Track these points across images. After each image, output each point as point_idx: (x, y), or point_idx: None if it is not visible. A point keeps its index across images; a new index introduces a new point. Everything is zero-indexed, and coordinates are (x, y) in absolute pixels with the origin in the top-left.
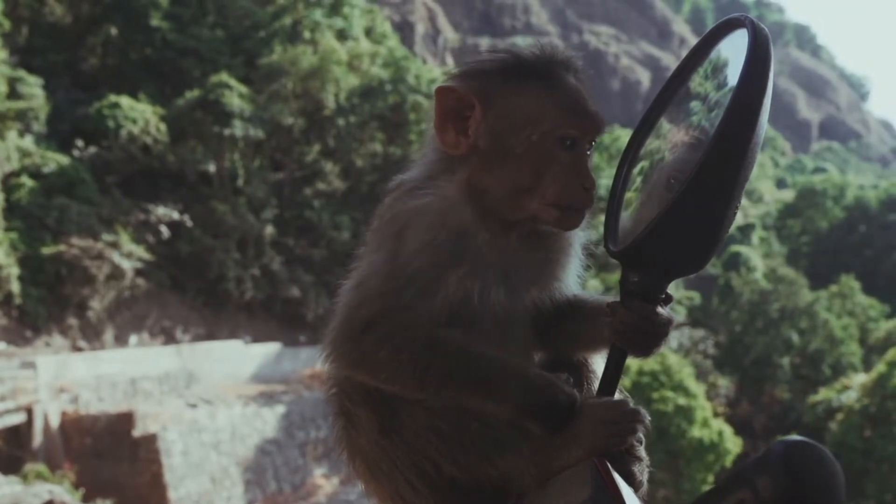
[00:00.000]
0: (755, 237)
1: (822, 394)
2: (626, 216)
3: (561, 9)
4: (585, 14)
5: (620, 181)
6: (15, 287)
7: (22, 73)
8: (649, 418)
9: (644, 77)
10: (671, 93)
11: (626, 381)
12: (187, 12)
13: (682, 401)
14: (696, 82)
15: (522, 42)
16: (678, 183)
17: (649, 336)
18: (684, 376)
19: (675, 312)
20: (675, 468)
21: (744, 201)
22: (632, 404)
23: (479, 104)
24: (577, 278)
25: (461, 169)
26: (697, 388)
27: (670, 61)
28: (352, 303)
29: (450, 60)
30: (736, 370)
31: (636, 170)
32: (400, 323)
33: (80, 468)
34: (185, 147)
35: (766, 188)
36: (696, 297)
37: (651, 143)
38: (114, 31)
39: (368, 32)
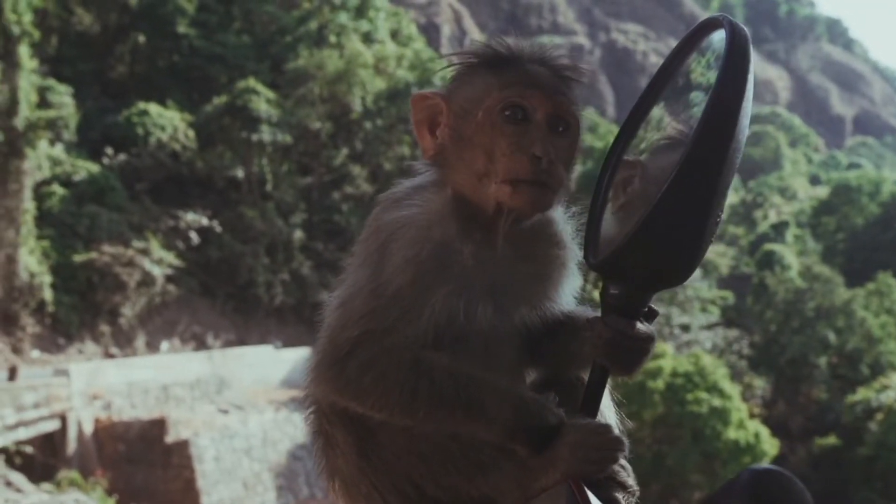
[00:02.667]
0: (789, 235)
1: (861, 393)
2: (607, 225)
3: (588, 7)
4: (613, 12)
5: (602, 188)
6: (48, 295)
7: (52, 82)
8: (629, 447)
9: None
10: (652, 98)
11: (659, 384)
12: (214, 19)
13: (716, 402)
14: (677, 86)
15: (550, 42)
16: (656, 191)
17: (628, 352)
18: (719, 377)
19: (697, 320)
20: (711, 470)
21: (777, 198)
22: (615, 430)
23: (445, 104)
24: (572, 296)
25: (446, 179)
26: (732, 389)
27: None
28: (335, 324)
29: None
30: (771, 370)
31: (619, 176)
32: (384, 346)
33: (113, 475)
34: (214, 153)
35: (799, 185)
36: (729, 296)
37: (633, 149)
38: (141, 38)
39: (394, 35)
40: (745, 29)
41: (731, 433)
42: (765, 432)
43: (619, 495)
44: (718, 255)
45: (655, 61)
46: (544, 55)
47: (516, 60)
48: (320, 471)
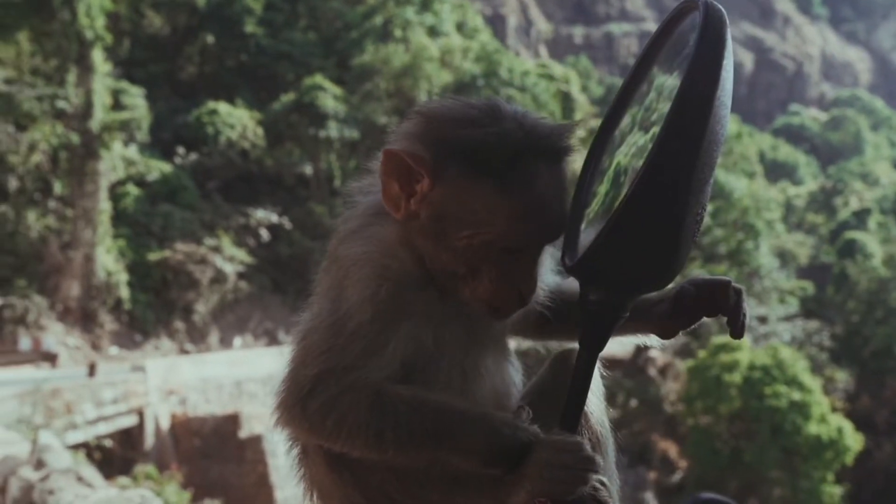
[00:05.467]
0: (872, 222)
1: None
2: (587, 228)
3: None
4: None
5: (584, 187)
6: (124, 293)
7: (125, 84)
8: (602, 467)
9: (747, 59)
10: (632, 89)
11: (736, 377)
12: (280, 17)
13: (796, 396)
14: (659, 75)
15: (618, 29)
16: (627, 188)
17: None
18: (798, 370)
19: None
20: (792, 466)
21: (858, 184)
22: (588, 449)
23: (429, 177)
24: (550, 279)
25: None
26: (813, 383)
27: (774, 42)
28: (297, 359)
29: (543, 52)
30: (854, 363)
31: (599, 174)
32: (343, 385)
33: (189, 469)
34: (282, 150)
35: (882, 170)
36: (809, 286)
37: (614, 145)
38: (210, 39)
39: (460, 27)
40: (722, 10)
41: (813, 428)
42: (848, 427)
43: None
44: (797, 244)
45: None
46: (555, 146)
47: (525, 163)
48: (298, 480)
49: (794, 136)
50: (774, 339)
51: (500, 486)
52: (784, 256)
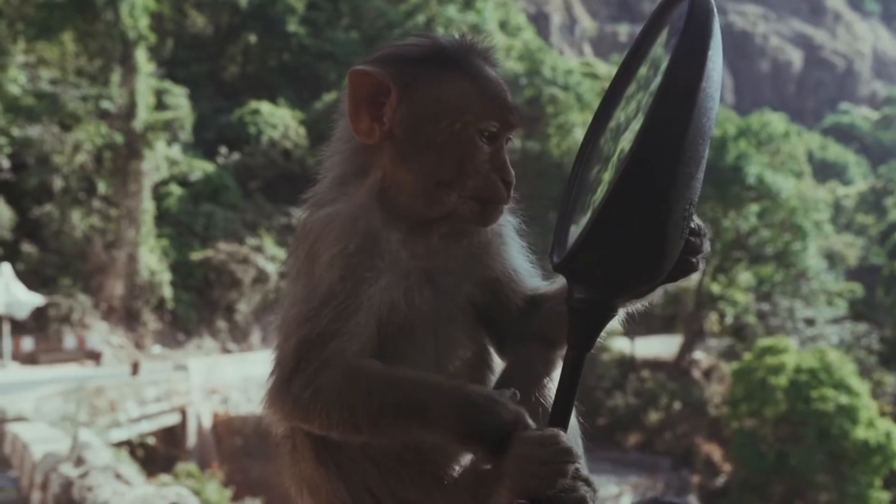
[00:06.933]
0: None
1: None
2: (577, 225)
3: None
4: None
5: (575, 184)
6: (167, 292)
7: (168, 84)
8: (582, 457)
9: (796, 57)
10: (624, 82)
11: (782, 380)
12: (322, 16)
13: (843, 399)
14: (664, 59)
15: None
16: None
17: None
18: (846, 373)
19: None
20: (839, 471)
21: None
22: (565, 440)
23: (396, 90)
24: (525, 265)
25: (374, 166)
26: (861, 386)
27: (824, 39)
28: (280, 342)
29: (587, 50)
30: None
31: (591, 171)
32: (322, 356)
33: (231, 468)
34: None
35: None
36: (858, 288)
37: (619, 131)
38: (252, 38)
39: (503, 26)
40: (710, 0)
41: (860, 432)
42: None
43: None
44: (846, 245)
45: (776, 44)
46: (489, 53)
47: (474, 59)
48: (289, 475)
49: (844, 135)
50: (822, 341)
51: (481, 485)
52: (832, 258)
